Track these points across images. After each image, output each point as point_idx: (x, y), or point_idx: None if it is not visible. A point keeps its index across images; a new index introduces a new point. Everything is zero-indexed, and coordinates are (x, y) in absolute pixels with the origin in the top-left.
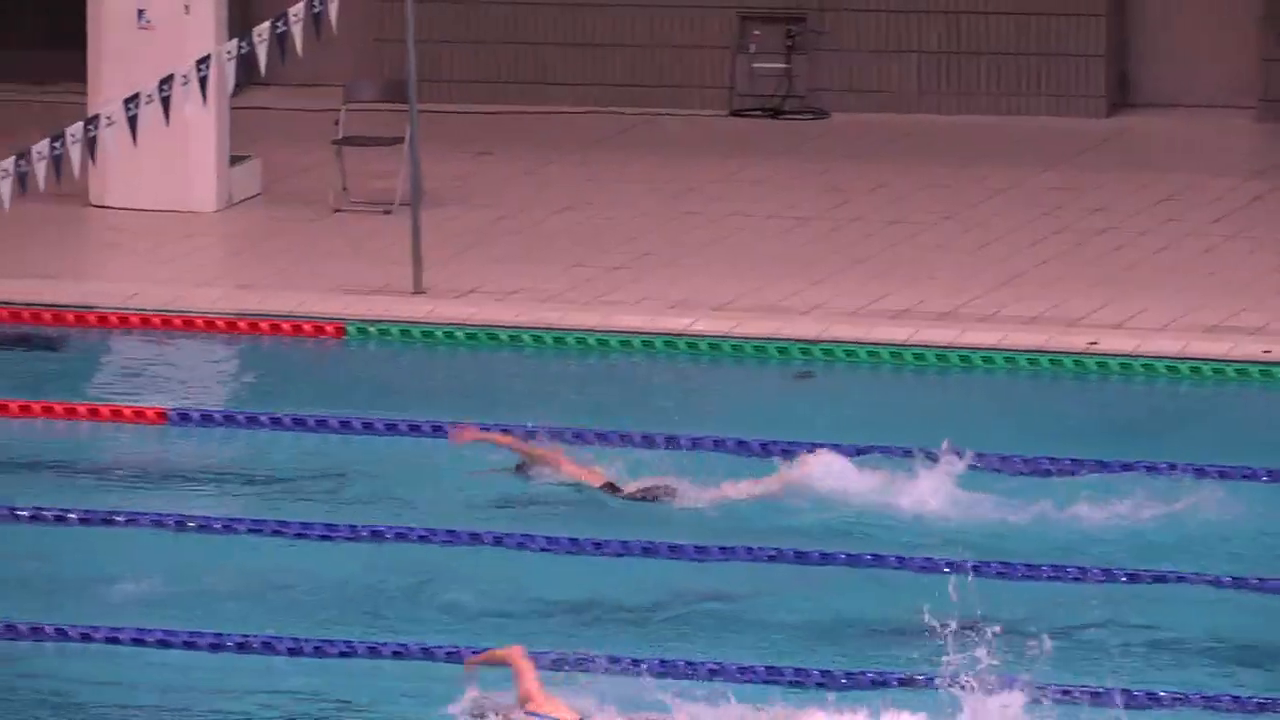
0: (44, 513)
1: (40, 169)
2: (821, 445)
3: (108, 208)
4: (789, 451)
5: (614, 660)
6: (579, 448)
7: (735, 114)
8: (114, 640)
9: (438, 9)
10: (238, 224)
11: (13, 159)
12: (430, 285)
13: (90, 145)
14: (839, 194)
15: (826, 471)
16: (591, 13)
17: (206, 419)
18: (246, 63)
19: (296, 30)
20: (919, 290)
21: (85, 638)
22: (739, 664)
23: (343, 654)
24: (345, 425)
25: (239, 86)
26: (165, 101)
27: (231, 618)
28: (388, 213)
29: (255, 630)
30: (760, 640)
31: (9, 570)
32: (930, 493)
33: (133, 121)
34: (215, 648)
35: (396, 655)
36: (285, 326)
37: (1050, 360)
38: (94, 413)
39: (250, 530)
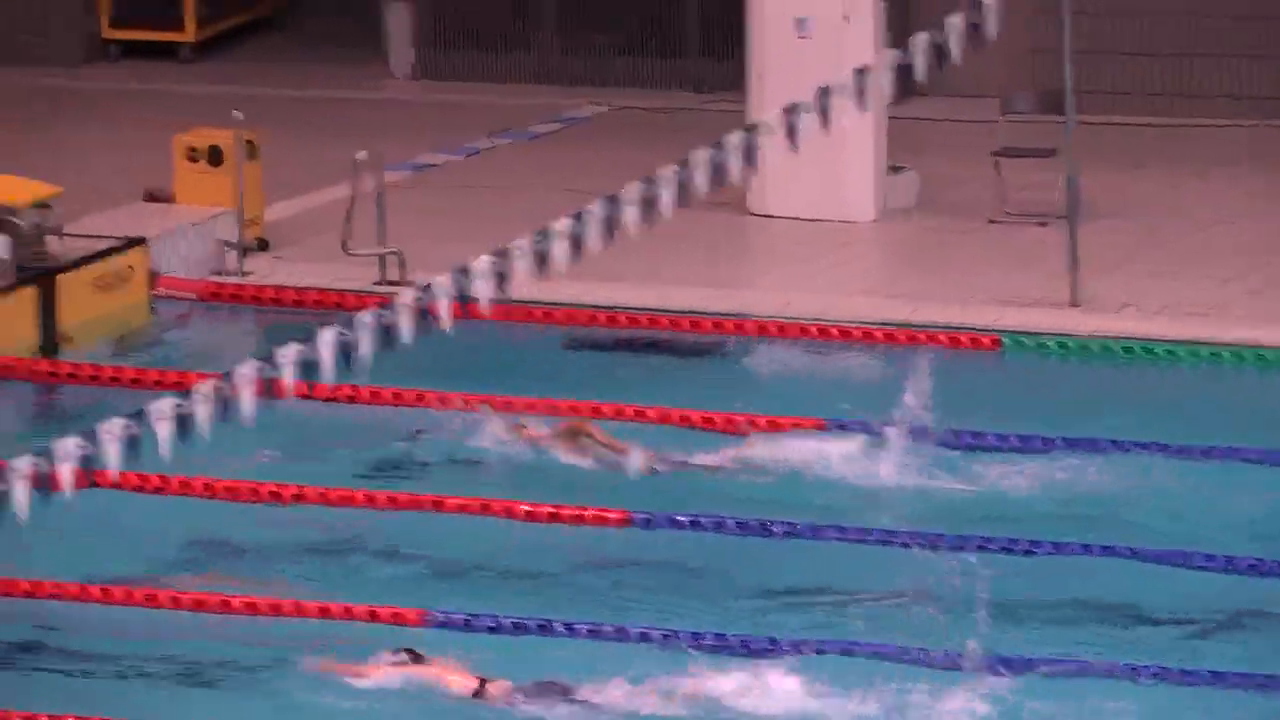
0: (702, 520)
1: (700, 177)
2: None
3: (766, 216)
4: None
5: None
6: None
7: None
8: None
9: (1093, 20)
10: (894, 234)
11: (673, 167)
12: (1086, 298)
13: (749, 154)
14: None
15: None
16: (1245, 24)
17: (865, 430)
18: (904, 73)
19: (954, 41)
20: None
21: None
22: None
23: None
24: (1002, 439)
25: (897, 96)
26: (824, 111)
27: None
28: (1044, 225)
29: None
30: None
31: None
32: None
33: (791, 130)
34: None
35: None
36: (941, 337)
37: None
38: (752, 423)
39: (925, 544)
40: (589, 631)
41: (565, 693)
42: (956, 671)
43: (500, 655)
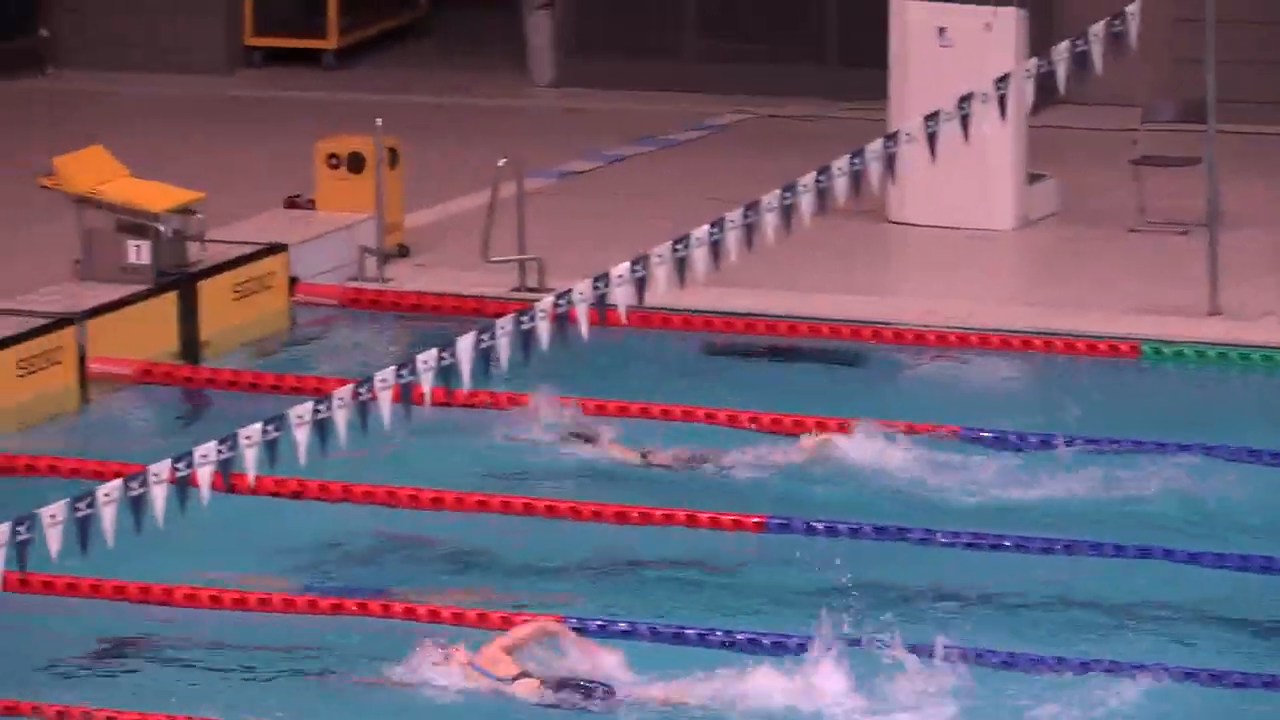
0: (839, 526)
1: (840, 185)
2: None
3: (906, 224)
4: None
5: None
6: None
7: None
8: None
9: (1235, 29)
10: (1034, 242)
11: (813, 174)
12: (1226, 307)
13: (889, 161)
14: None
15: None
16: None
17: (998, 440)
18: (1045, 81)
19: (1096, 49)
20: None
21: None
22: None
23: None
24: (1138, 445)
25: (1038, 105)
26: (964, 119)
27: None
28: (1185, 233)
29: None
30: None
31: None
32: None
33: (932, 138)
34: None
35: None
36: (1079, 345)
37: None
38: (888, 428)
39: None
40: (722, 641)
41: (592, 693)
42: (1091, 673)
43: (635, 660)
